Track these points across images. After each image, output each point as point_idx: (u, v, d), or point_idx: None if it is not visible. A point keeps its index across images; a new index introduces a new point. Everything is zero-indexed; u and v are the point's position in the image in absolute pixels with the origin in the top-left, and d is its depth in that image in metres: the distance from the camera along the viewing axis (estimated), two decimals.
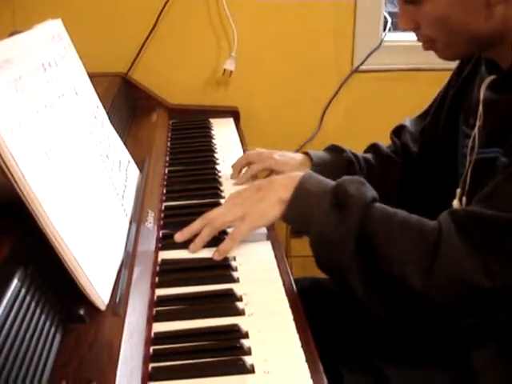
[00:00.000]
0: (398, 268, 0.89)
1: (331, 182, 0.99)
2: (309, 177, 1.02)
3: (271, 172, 1.30)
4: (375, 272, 0.90)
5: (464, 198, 1.05)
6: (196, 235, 1.04)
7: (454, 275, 0.86)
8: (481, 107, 1.02)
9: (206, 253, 1.03)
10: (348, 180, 0.97)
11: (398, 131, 1.34)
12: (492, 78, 1.02)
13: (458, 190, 1.06)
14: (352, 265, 0.91)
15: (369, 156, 1.31)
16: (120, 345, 0.71)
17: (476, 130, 1.03)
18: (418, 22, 1.00)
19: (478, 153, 1.02)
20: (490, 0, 0.93)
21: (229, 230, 1.06)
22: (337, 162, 1.28)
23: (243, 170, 1.33)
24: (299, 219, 0.99)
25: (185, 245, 1.04)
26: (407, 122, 1.34)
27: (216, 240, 1.04)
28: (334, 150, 1.31)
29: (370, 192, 0.96)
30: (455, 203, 1.06)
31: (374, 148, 1.34)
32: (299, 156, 1.30)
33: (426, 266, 0.87)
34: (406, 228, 0.91)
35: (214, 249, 1.02)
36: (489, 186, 0.92)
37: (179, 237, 1.05)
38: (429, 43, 1.03)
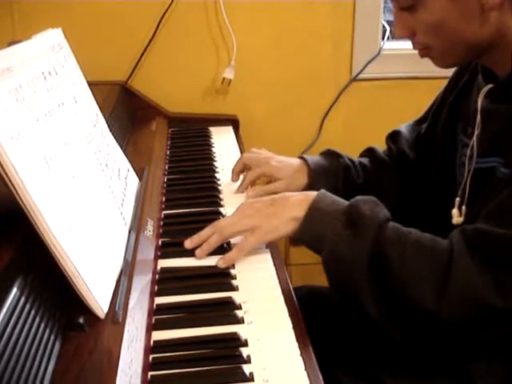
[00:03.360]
0: (411, 288, 0.89)
1: (345, 202, 0.99)
2: (323, 196, 1.02)
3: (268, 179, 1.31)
4: (388, 292, 0.91)
5: (463, 208, 1.05)
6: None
7: (466, 294, 0.86)
8: (479, 116, 1.02)
9: (206, 261, 1.03)
10: (361, 200, 0.97)
11: (394, 137, 1.34)
12: (489, 87, 1.02)
13: (457, 199, 1.06)
14: (365, 284, 0.91)
15: (365, 160, 1.31)
16: (119, 353, 0.71)
17: (474, 138, 1.03)
18: (414, 30, 1.00)
19: (477, 162, 1.02)
20: (484, 6, 0.93)
21: (233, 241, 1.06)
22: (334, 167, 1.28)
23: (241, 176, 1.34)
24: (312, 238, 0.99)
25: (184, 253, 1.05)
26: (403, 128, 1.35)
27: (219, 249, 1.04)
28: (331, 155, 1.31)
29: (383, 212, 0.96)
30: (454, 212, 1.06)
31: (370, 152, 1.34)
32: (296, 161, 1.30)
33: (438, 285, 0.87)
34: (419, 248, 0.91)
35: (214, 257, 1.03)
36: (495, 201, 0.93)
37: (189, 244, 1.05)
38: (424, 50, 1.03)
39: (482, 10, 0.94)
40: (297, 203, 1.02)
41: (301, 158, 1.30)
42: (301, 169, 1.27)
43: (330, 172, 1.27)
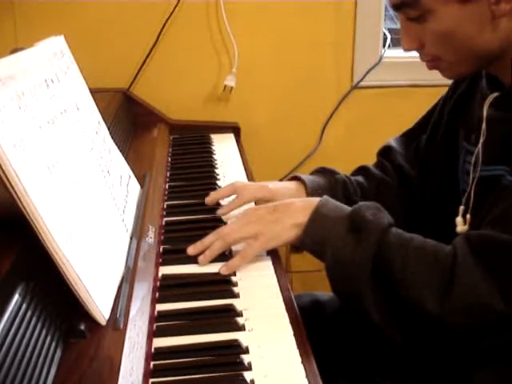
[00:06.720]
0: (414, 293, 0.89)
1: (347, 208, 1.00)
2: (326, 202, 1.02)
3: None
4: (391, 297, 0.91)
5: (468, 216, 1.04)
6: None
7: (469, 299, 0.86)
8: (484, 124, 1.02)
9: (207, 268, 1.03)
10: (364, 205, 0.98)
11: (387, 152, 1.30)
12: (495, 95, 1.01)
13: (461, 207, 1.06)
14: (368, 289, 0.91)
15: (360, 179, 1.26)
16: (120, 360, 0.71)
17: (479, 146, 1.02)
18: (423, 41, 0.98)
19: (482, 170, 1.01)
20: (494, 13, 0.92)
21: (234, 249, 1.06)
22: (331, 184, 1.23)
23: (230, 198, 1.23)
24: (315, 243, 0.99)
25: (185, 260, 1.05)
26: (392, 143, 1.30)
27: (220, 256, 1.04)
28: (325, 172, 1.26)
29: (387, 217, 0.96)
30: (459, 220, 1.06)
31: (363, 170, 1.29)
32: (292, 184, 1.23)
33: (442, 290, 0.88)
34: (422, 253, 0.91)
35: (215, 264, 1.03)
36: (499, 207, 0.92)
37: (192, 250, 1.05)
38: (433, 62, 1.01)
39: (492, 17, 0.92)
40: (299, 209, 1.02)
41: (295, 178, 1.25)
42: (299, 189, 1.21)
43: (329, 189, 1.21)
